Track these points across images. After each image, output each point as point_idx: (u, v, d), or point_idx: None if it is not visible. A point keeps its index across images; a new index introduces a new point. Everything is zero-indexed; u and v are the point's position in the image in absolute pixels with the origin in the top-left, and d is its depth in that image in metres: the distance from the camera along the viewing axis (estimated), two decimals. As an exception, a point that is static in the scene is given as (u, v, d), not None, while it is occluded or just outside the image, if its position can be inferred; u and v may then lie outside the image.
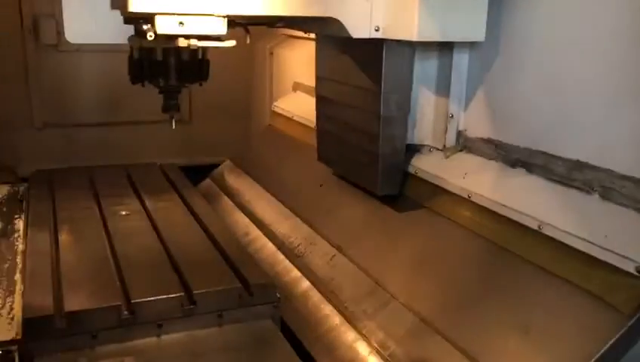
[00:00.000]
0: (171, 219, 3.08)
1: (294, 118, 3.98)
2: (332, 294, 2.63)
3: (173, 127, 2.75)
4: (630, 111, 1.92)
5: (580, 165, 2.06)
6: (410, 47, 2.64)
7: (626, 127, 1.93)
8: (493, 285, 2.18)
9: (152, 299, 2.23)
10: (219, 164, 4.44)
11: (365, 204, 2.94)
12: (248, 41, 2.50)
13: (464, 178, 2.46)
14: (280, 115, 4.24)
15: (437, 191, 2.59)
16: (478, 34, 2.40)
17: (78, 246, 2.71)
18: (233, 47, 2.35)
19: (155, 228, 2.93)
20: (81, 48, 4.68)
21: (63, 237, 2.78)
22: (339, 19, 2.37)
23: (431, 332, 2.18)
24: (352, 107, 2.89)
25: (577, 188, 2.06)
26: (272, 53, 4.76)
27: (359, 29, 2.43)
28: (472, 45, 2.54)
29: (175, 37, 2.17)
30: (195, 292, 2.28)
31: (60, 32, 4.63)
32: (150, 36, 2.16)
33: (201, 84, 2.75)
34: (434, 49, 2.66)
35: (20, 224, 3.05)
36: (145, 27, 2.20)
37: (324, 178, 3.33)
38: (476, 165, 2.49)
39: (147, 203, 3.27)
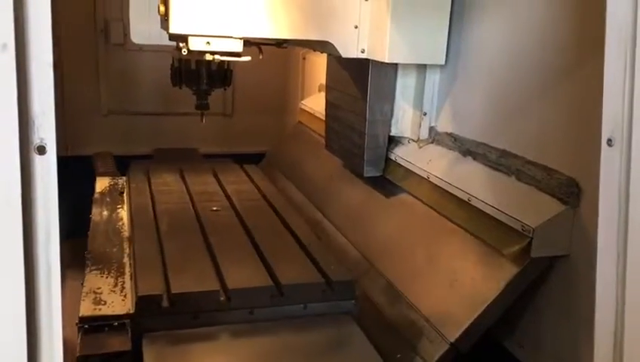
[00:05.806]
0: (255, 214, 3.37)
1: (316, 114, 4.53)
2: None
3: (203, 122, 3.25)
4: (536, 112, 2.49)
5: (505, 153, 2.63)
6: (393, 66, 3.15)
7: (534, 123, 2.50)
8: (428, 241, 2.87)
9: (246, 287, 2.44)
10: (256, 153, 5.10)
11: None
12: (261, 57, 3.00)
13: (427, 163, 3.05)
14: (306, 111, 4.83)
15: (408, 173, 3.19)
16: (439, 58, 2.96)
17: (178, 236, 2.96)
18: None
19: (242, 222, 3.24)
20: (143, 48, 5.08)
21: (164, 227, 3.05)
22: (332, 42, 2.82)
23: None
24: (348, 111, 3.50)
25: (502, 171, 2.63)
26: (304, 58, 5.29)
27: (348, 50, 2.88)
28: (441, 66, 3.07)
29: (203, 52, 2.66)
30: (283, 283, 2.49)
31: (126, 33, 5.03)
32: (184, 51, 2.66)
33: (225, 89, 3.30)
34: (413, 68, 3.18)
35: (122, 213, 3.44)
36: (181, 44, 2.65)
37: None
38: (438, 154, 3.07)
39: (233, 200, 3.59)
